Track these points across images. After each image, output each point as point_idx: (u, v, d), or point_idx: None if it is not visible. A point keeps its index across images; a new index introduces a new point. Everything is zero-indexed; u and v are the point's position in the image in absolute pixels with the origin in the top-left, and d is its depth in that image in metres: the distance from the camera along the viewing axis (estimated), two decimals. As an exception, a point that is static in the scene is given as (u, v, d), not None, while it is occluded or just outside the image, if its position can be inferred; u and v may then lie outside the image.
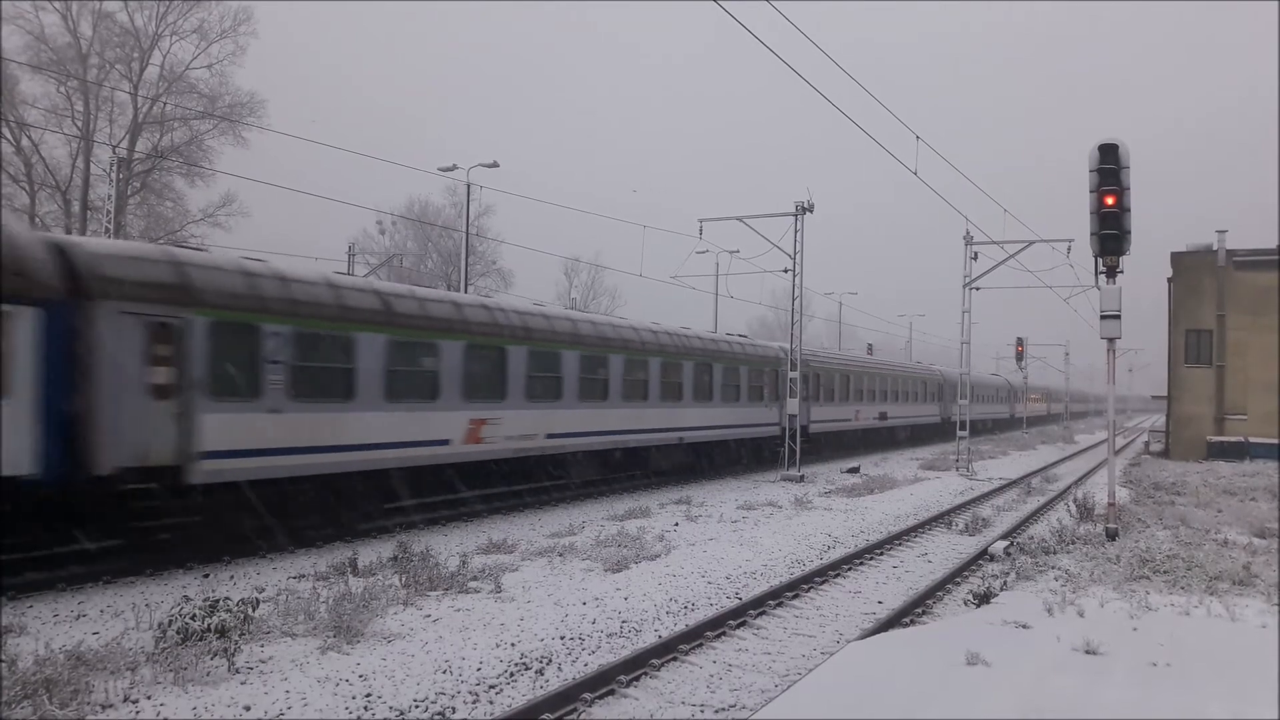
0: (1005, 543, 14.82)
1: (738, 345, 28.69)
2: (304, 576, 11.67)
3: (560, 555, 13.43)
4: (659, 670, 8.50)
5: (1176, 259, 34.98)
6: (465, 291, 34.10)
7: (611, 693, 7.81)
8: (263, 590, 10.48)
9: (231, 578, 11.78)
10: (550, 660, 8.64)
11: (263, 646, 8.58)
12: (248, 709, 7.08)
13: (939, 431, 47.77)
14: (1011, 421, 65.02)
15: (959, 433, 32.42)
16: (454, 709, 7.35)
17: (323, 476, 14.24)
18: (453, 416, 16.75)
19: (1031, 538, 15.44)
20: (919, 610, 11.12)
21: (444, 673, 8.07)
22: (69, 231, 42.09)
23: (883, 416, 40.92)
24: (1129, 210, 13.90)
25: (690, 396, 24.86)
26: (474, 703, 7.52)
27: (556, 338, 19.73)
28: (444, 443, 16.55)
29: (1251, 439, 31.63)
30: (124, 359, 11.48)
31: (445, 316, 16.85)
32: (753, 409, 28.24)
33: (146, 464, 11.68)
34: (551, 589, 11.34)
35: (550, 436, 19.34)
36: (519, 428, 18.39)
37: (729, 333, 32.57)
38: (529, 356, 18.68)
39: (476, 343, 17.38)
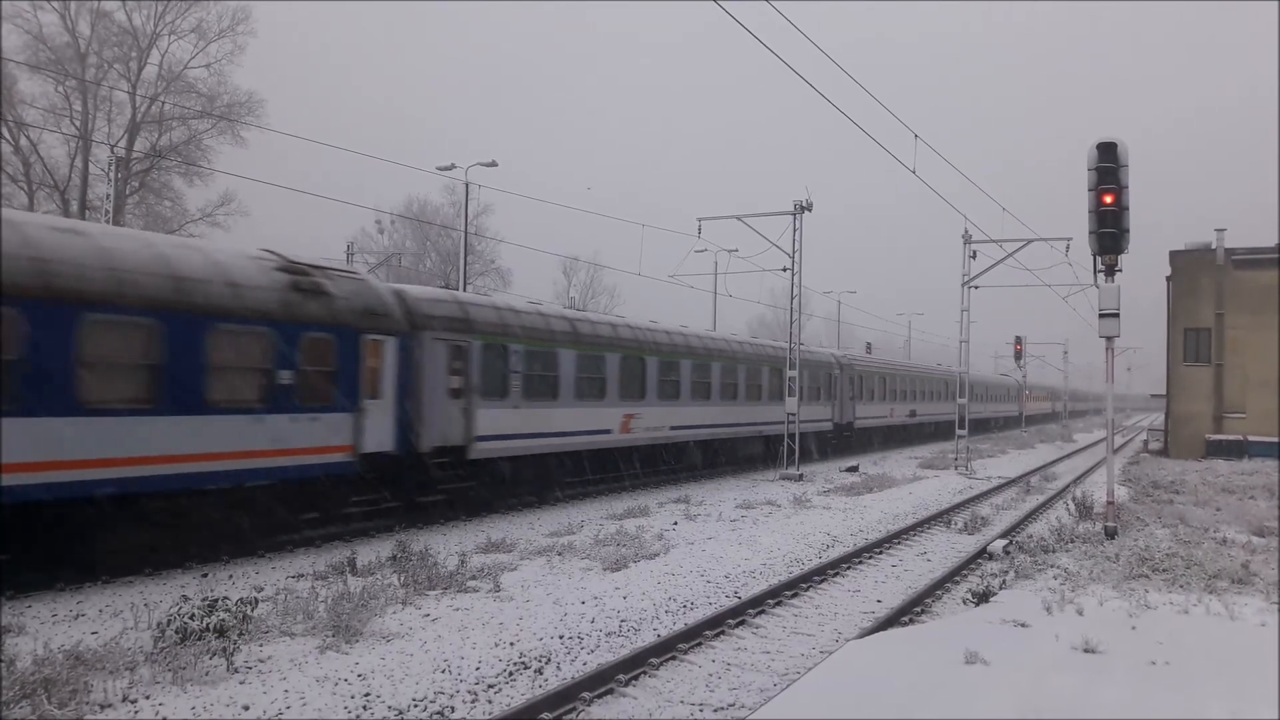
0: (1004, 541, 14.83)
1: (804, 352, 32.30)
2: (302, 576, 11.67)
3: (559, 554, 13.43)
4: (658, 669, 8.50)
5: (1175, 257, 35.00)
6: (464, 290, 34.12)
7: (610, 692, 7.81)
8: (261, 590, 10.47)
9: (230, 577, 11.78)
10: (549, 659, 8.64)
11: (261, 646, 8.57)
12: (246, 708, 7.07)
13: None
14: (1021, 419, 67.56)
15: (958, 431, 32.44)
16: (453, 708, 7.35)
17: (538, 455, 19.23)
18: (613, 412, 21.69)
19: (1030, 536, 15.44)
20: (918, 609, 11.11)
21: (443, 672, 8.07)
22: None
23: (913, 414, 45.88)
24: (1127, 209, 13.91)
25: (767, 397, 29.47)
26: (473, 702, 7.52)
27: (676, 350, 24.64)
28: (607, 432, 21.53)
29: (1250, 437, 31.68)
30: (436, 372, 16.29)
31: (608, 335, 21.93)
32: (813, 407, 32.59)
33: (446, 444, 16.51)
34: (550, 588, 11.34)
35: (673, 429, 24.22)
36: (653, 421, 23.27)
37: (800, 343, 35.38)
38: (659, 365, 23.60)
39: (627, 355, 22.33)
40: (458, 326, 16.94)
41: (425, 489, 16.20)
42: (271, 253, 14.30)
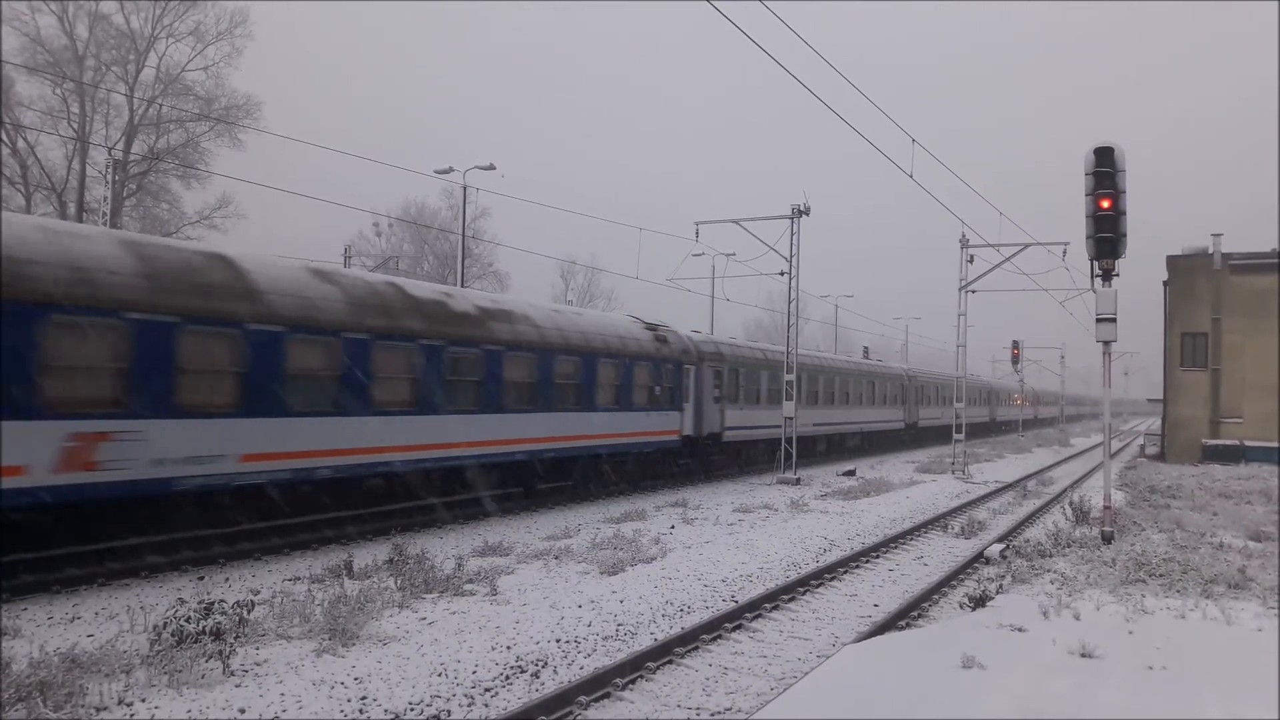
0: (1001, 546, 14.83)
1: (883, 368, 46.01)
2: (299, 579, 11.64)
3: (556, 558, 13.41)
4: (654, 673, 8.49)
5: (1172, 262, 35.03)
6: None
7: (607, 696, 7.80)
8: (258, 593, 10.40)
9: (226, 580, 11.75)
10: (546, 663, 8.63)
11: (258, 649, 8.55)
12: (243, 711, 7.06)
13: (987, 428, 62.40)
14: (1035, 421, 77.05)
15: (954, 435, 32.43)
16: (449, 712, 7.33)
17: (748, 440, 29.11)
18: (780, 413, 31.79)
19: (1027, 541, 15.44)
20: (915, 613, 11.11)
21: (439, 675, 8.05)
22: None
23: (956, 416, 50.75)
24: (1124, 213, 13.91)
25: (867, 403, 40.40)
26: (469, 705, 7.50)
27: (817, 369, 34.76)
28: (778, 426, 29.51)
29: (1247, 442, 31.67)
30: (707, 386, 25.96)
31: (781, 360, 30.42)
32: (891, 409, 44.30)
33: (712, 432, 26.30)
34: (547, 592, 11.32)
35: (814, 425, 33.72)
36: (805, 420, 31.54)
37: (877, 359, 49.39)
38: (807, 379, 32.93)
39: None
40: (716, 358, 26.69)
41: (701, 459, 26.22)
42: (637, 318, 24.38)
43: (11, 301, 10.10)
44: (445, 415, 16.13)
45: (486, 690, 7.84)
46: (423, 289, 17.40)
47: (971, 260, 30.79)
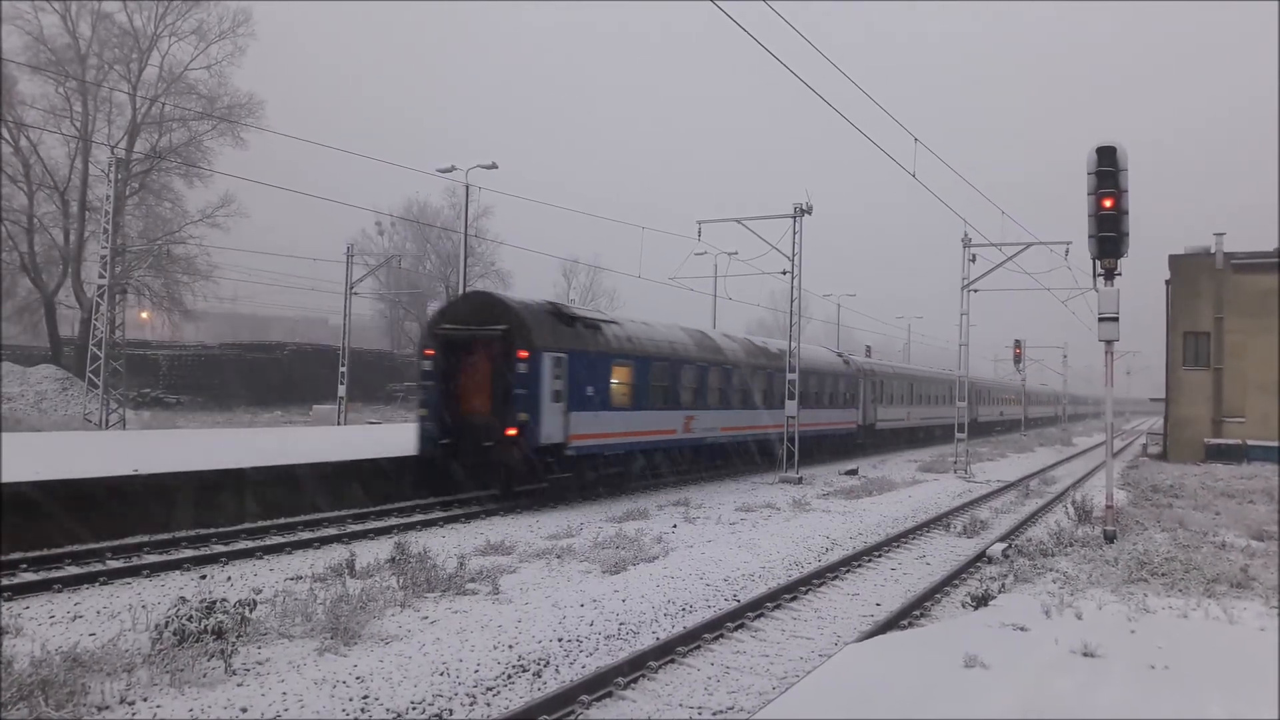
0: (1003, 545, 14.82)
1: (953, 376, 51.99)
2: (301, 578, 11.65)
3: (558, 557, 13.41)
4: (656, 672, 8.49)
5: (1174, 261, 34.95)
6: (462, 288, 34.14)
7: (609, 695, 7.80)
8: (260, 591, 10.44)
9: (229, 579, 11.76)
10: (548, 662, 8.63)
11: (260, 648, 8.56)
12: (244, 710, 7.06)
13: (1019, 425, 69.28)
14: (1055, 419, 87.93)
15: (957, 435, 32.41)
16: (451, 711, 7.34)
17: (889, 429, 42.20)
18: (908, 411, 45.84)
19: (1029, 540, 15.44)
20: (917, 612, 11.11)
21: (441, 675, 8.06)
22: (66, 233, 42.11)
23: (1001, 414, 67.28)
24: (1127, 213, 13.89)
25: (941, 403, 51.96)
26: (471, 705, 7.51)
27: (919, 379, 49.69)
28: (903, 420, 44.82)
29: (1249, 441, 31.62)
30: (868, 392, 39.57)
31: (923, 376, 51.24)
32: (948, 408, 51.53)
33: (870, 423, 39.32)
34: (549, 591, 11.32)
35: (916, 420, 47.81)
36: (915, 414, 47.29)
37: (944, 368, 59.26)
38: (913, 385, 47.36)
39: (913, 382, 48.23)
40: (871, 373, 38.87)
41: (867, 440, 37.71)
42: (828, 348, 38.94)
43: (673, 360, 23.88)
44: (771, 410, 28.54)
45: (489, 689, 7.84)
46: (756, 340, 31.67)
47: (974, 259, 30.74)
